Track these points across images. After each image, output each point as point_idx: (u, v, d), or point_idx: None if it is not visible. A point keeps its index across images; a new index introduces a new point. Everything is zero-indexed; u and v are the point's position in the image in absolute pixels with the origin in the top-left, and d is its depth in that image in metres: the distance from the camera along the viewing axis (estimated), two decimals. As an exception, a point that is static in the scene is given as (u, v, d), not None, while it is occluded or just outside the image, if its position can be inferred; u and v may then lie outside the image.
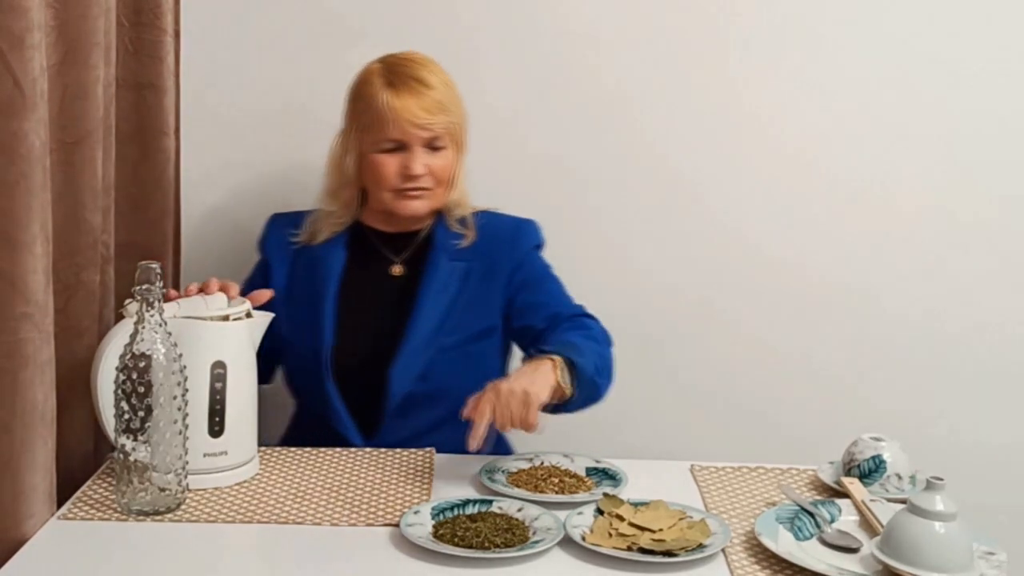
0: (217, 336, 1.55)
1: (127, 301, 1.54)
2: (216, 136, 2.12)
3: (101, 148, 1.63)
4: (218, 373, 1.52)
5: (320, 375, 1.76)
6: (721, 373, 2.21)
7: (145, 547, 1.37)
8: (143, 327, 1.41)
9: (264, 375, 1.81)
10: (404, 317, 1.78)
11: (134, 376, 1.40)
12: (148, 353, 1.41)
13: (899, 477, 1.56)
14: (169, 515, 1.44)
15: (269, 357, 1.79)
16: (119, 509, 1.45)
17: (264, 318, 1.63)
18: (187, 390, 1.45)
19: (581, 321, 1.76)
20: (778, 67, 2.11)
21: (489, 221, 1.86)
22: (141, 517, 1.43)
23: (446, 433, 1.69)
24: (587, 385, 1.59)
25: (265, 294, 1.68)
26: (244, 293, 1.80)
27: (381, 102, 1.73)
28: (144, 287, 1.41)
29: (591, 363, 1.61)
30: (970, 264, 2.16)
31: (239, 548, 1.40)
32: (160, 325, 1.42)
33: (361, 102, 1.78)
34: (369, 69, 1.79)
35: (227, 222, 2.16)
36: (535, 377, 1.53)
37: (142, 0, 1.82)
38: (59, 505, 1.47)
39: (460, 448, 1.54)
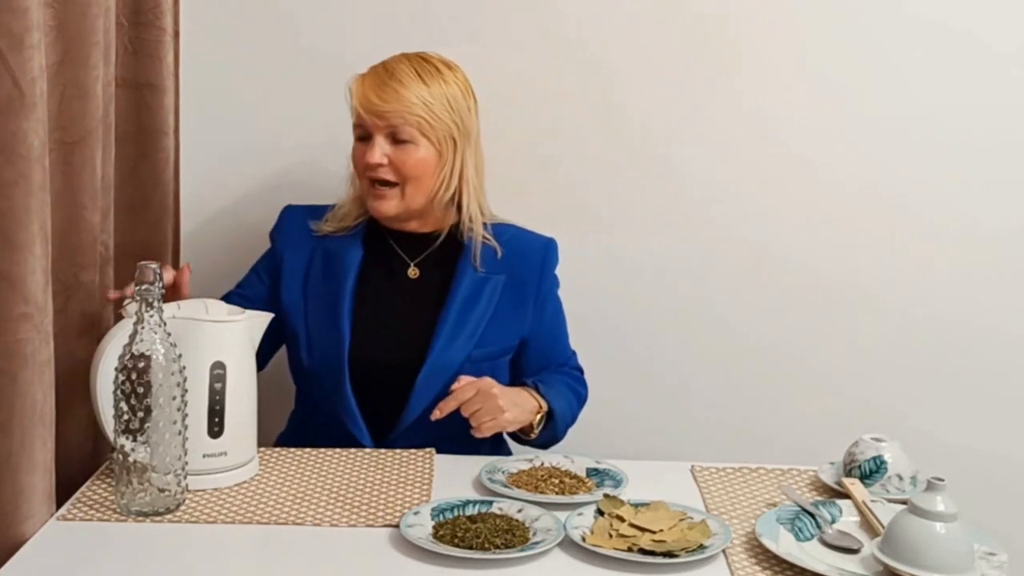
0: (217, 337, 1.54)
1: (126, 301, 1.54)
2: (215, 136, 2.11)
3: (100, 148, 1.63)
4: (218, 374, 1.52)
5: (337, 375, 1.75)
6: (722, 373, 2.21)
7: (144, 548, 1.36)
8: (142, 327, 1.41)
9: (261, 363, 1.83)
10: (429, 323, 1.77)
11: (133, 376, 1.40)
12: (147, 354, 1.40)
13: (900, 478, 1.55)
14: (168, 516, 1.44)
15: (271, 345, 1.83)
16: (118, 510, 1.45)
17: (263, 318, 1.63)
18: (186, 391, 1.45)
19: (577, 378, 1.91)
20: (779, 67, 2.10)
21: (515, 236, 1.86)
22: (140, 518, 1.43)
23: (459, 444, 1.70)
24: (548, 438, 1.77)
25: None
26: (248, 280, 1.87)
27: (351, 89, 1.76)
28: (143, 287, 1.40)
29: (564, 424, 1.79)
30: (973, 265, 2.15)
31: (239, 549, 1.40)
32: (160, 325, 1.42)
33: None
34: None
35: (226, 222, 2.16)
36: (521, 411, 1.69)
37: (141, 0, 1.82)
38: (58, 506, 1.46)
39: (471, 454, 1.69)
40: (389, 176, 1.74)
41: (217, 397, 1.52)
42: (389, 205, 1.76)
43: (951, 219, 2.15)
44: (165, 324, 1.43)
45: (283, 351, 1.89)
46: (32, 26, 1.33)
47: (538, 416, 1.72)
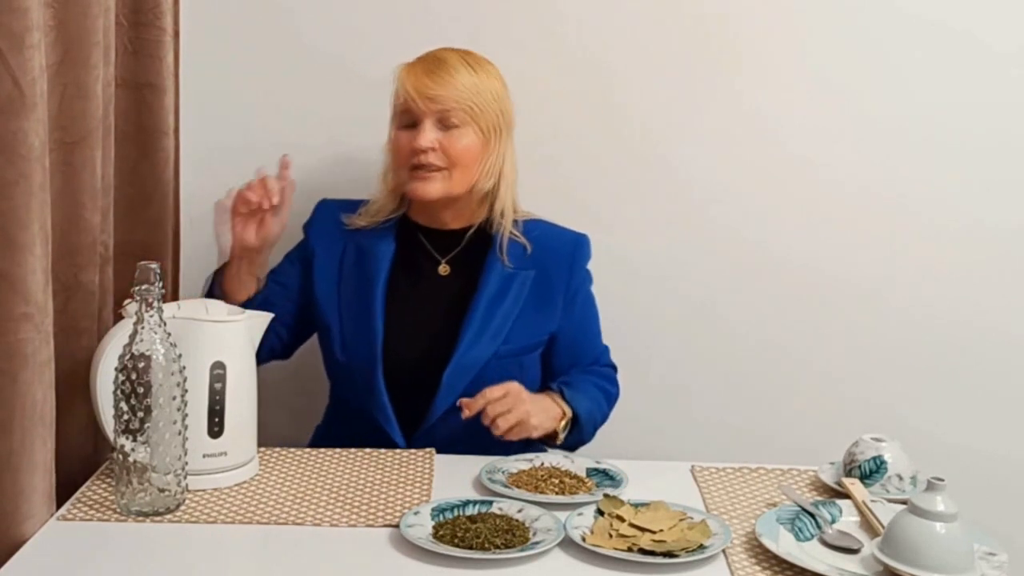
0: (217, 336, 1.54)
1: (126, 301, 1.54)
2: (215, 136, 2.11)
3: (100, 148, 1.63)
4: (217, 374, 1.52)
5: (370, 370, 1.75)
6: (722, 373, 2.21)
7: (144, 548, 1.36)
8: (142, 327, 1.41)
9: (287, 350, 1.89)
10: (457, 320, 1.78)
11: (133, 376, 1.40)
12: (147, 354, 1.40)
13: (900, 478, 1.55)
14: (168, 516, 1.44)
15: (296, 334, 1.86)
16: (118, 510, 1.45)
17: (263, 318, 1.63)
18: (187, 391, 1.45)
19: (608, 376, 1.90)
20: (779, 67, 2.10)
21: (544, 232, 1.86)
22: (140, 518, 1.43)
23: (487, 438, 1.69)
24: (574, 441, 1.78)
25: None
26: (281, 267, 1.88)
27: (399, 76, 1.76)
28: (143, 287, 1.40)
29: (591, 427, 1.79)
30: (973, 265, 2.15)
31: (239, 549, 1.40)
32: (159, 325, 1.42)
33: (394, 85, 1.80)
34: None
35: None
36: (547, 417, 1.70)
37: (141, 0, 1.82)
38: (58, 506, 1.46)
39: (498, 453, 1.67)
40: (438, 161, 1.74)
41: (217, 397, 1.52)
42: (434, 187, 1.76)
43: (951, 219, 2.15)
44: (165, 324, 1.43)
45: (313, 344, 1.90)
46: (32, 26, 1.33)
47: (562, 422, 1.72)
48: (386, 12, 2.09)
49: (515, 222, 1.83)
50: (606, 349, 1.92)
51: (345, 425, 1.83)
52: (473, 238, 1.83)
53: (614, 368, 1.92)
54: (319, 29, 2.10)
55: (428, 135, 1.73)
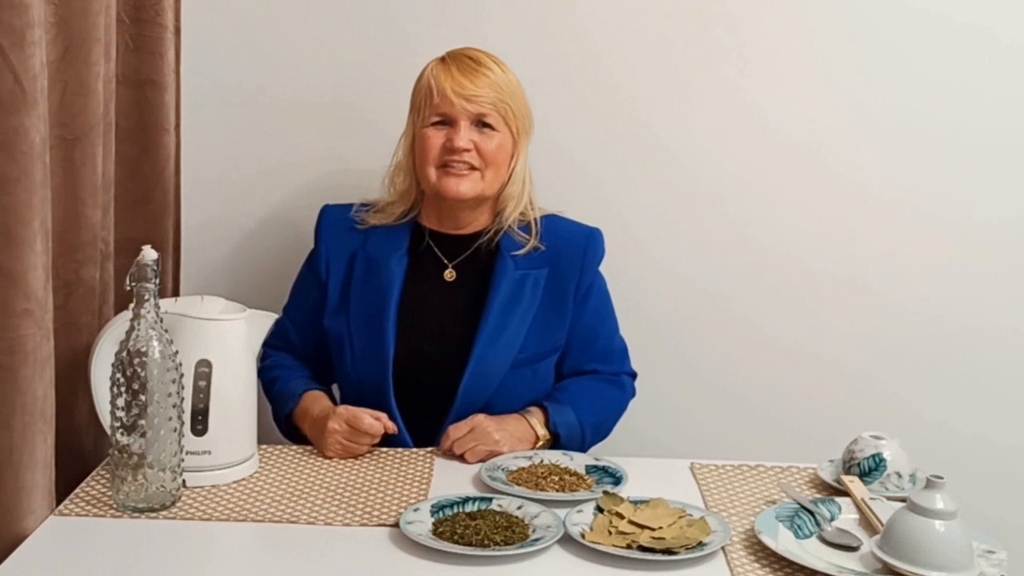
0: (201, 334, 1.52)
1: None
2: (216, 132, 2.11)
3: (101, 144, 1.63)
4: (202, 372, 1.50)
5: (381, 385, 1.73)
6: (722, 371, 2.21)
7: (141, 544, 1.37)
8: (139, 323, 1.41)
9: (328, 377, 1.83)
10: (469, 328, 1.75)
11: (129, 372, 1.40)
12: (143, 350, 1.40)
13: (899, 475, 1.55)
14: (165, 512, 1.44)
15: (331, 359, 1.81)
16: (115, 505, 1.45)
17: (267, 318, 1.62)
18: (183, 387, 1.45)
19: (613, 380, 1.84)
20: (786, 66, 2.10)
21: (556, 228, 1.83)
22: (136, 514, 1.43)
23: None
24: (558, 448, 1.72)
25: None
26: (299, 292, 1.85)
27: (430, 76, 1.74)
28: (140, 283, 1.40)
29: (576, 441, 1.73)
30: (976, 263, 2.15)
31: (237, 546, 1.40)
32: (157, 322, 1.42)
33: (417, 84, 1.78)
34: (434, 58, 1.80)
35: (227, 219, 2.16)
36: (517, 442, 1.67)
37: (142, -4, 1.82)
38: (59, 501, 1.46)
39: None
40: (473, 162, 1.73)
41: (201, 395, 1.51)
42: (468, 185, 1.74)
43: (955, 214, 2.14)
44: (161, 321, 1.42)
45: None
46: (33, 23, 1.33)
47: (539, 444, 1.70)
48: (387, 10, 2.08)
49: (528, 221, 1.80)
50: (623, 350, 1.88)
51: None
52: (482, 243, 1.80)
53: (631, 374, 1.88)
54: (320, 27, 2.09)
55: (465, 136, 1.72)
